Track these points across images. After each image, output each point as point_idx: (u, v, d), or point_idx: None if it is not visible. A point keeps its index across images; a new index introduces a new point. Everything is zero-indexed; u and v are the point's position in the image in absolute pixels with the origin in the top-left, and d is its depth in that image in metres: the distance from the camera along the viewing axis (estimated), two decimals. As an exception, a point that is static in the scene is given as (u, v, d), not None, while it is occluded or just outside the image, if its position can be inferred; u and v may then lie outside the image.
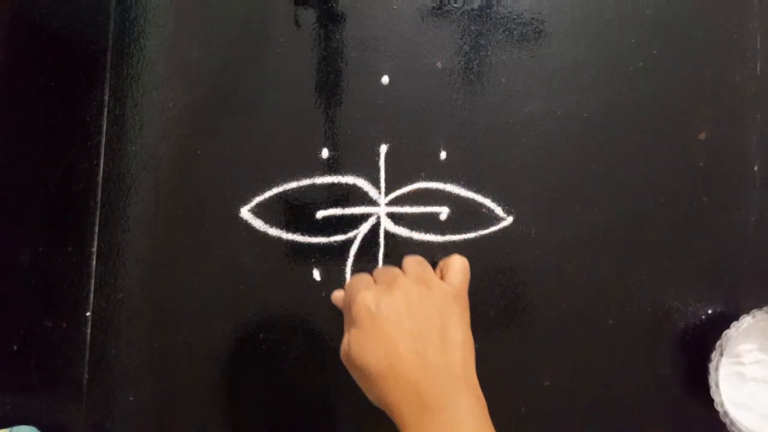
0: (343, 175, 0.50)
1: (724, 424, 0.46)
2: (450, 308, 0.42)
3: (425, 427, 0.38)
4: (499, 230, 0.49)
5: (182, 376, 0.49)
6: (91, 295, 0.49)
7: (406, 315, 0.41)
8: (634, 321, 0.49)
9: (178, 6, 0.50)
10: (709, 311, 0.50)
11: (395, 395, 0.39)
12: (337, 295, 0.48)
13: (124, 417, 0.49)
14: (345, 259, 0.49)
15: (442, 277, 0.45)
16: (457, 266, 0.45)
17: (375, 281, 0.44)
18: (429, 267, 0.45)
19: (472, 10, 0.50)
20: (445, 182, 0.49)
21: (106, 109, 0.50)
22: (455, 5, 0.50)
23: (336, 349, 0.49)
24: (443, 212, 0.49)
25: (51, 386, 0.49)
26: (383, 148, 0.50)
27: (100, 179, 0.50)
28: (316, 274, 0.49)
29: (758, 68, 0.50)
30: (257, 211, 0.49)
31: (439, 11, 0.50)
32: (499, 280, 0.49)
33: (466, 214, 0.49)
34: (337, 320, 0.49)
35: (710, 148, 0.50)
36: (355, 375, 0.42)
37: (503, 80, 0.50)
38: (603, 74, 0.50)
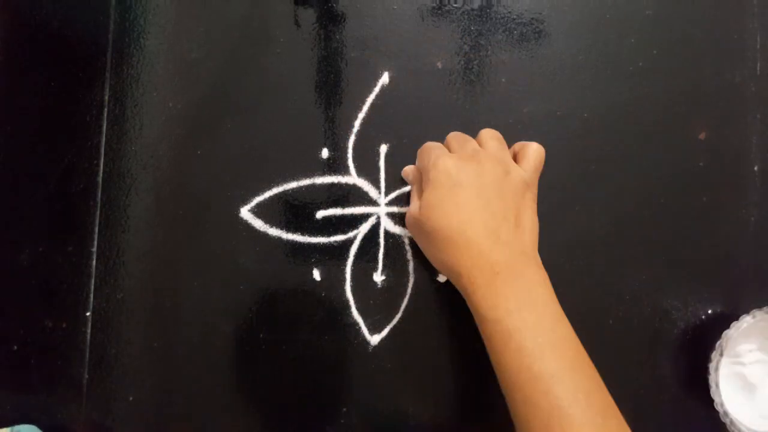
0: (343, 175, 0.50)
1: (724, 424, 0.46)
2: (524, 195, 0.43)
3: (498, 290, 0.39)
4: (499, 230, 0.49)
5: (182, 376, 0.49)
6: (91, 295, 0.49)
7: (484, 190, 0.41)
8: (634, 321, 0.49)
9: (178, 6, 0.50)
10: (709, 311, 0.50)
11: (465, 260, 0.40)
12: (408, 168, 0.48)
13: (124, 417, 0.49)
14: (345, 259, 0.49)
15: (516, 161, 0.45)
16: (534, 154, 0.45)
17: (450, 149, 0.44)
18: (506, 148, 0.45)
19: (472, 10, 0.50)
20: (445, 182, 0.49)
21: (106, 109, 0.50)
22: (455, 5, 0.50)
23: (335, 350, 0.49)
24: (443, 212, 0.49)
25: (51, 386, 0.49)
26: (383, 148, 0.50)
27: (100, 179, 0.50)
28: (316, 274, 0.49)
29: (758, 68, 0.50)
30: (257, 211, 0.49)
31: (439, 11, 0.50)
32: (499, 280, 0.49)
33: (466, 214, 0.49)
34: (336, 320, 0.49)
35: (710, 148, 0.50)
36: (422, 238, 0.44)
37: (503, 80, 0.50)
38: (603, 74, 0.50)
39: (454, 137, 0.45)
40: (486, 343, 0.40)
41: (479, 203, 0.41)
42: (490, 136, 0.45)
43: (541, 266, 0.42)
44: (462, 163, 0.42)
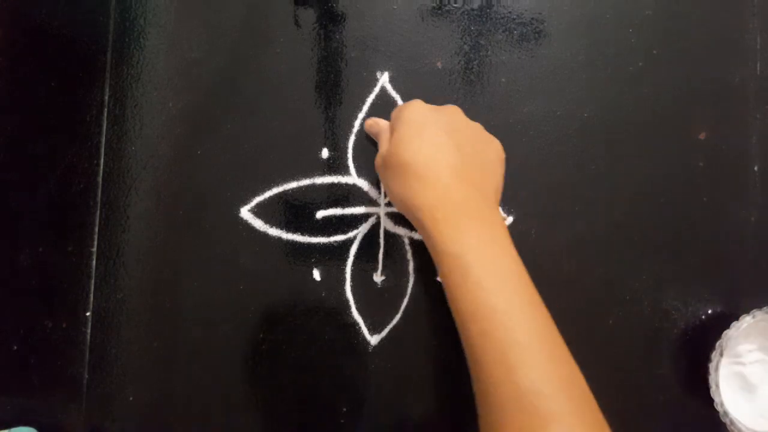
0: (343, 175, 0.50)
1: (724, 424, 0.46)
2: (499, 160, 0.44)
3: (458, 225, 0.39)
4: (499, 230, 0.49)
5: (182, 376, 0.49)
6: (91, 295, 0.49)
7: (455, 135, 0.42)
8: (634, 321, 0.49)
9: (178, 6, 0.50)
10: (709, 311, 0.50)
11: (428, 195, 0.40)
12: (373, 119, 0.48)
13: (124, 417, 0.49)
14: (345, 259, 0.49)
15: None
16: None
17: None
18: None
19: (472, 10, 0.50)
20: (445, 182, 0.49)
21: (106, 109, 0.50)
22: (455, 5, 0.50)
23: (335, 350, 0.49)
24: (443, 212, 0.49)
25: (51, 386, 0.49)
26: (383, 148, 0.49)
27: (100, 179, 0.50)
28: (316, 274, 0.49)
29: (758, 68, 0.50)
30: (257, 211, 0.49)
31: (439, 11, 0.50)
32: (499, 280, 0.49)
33: (466, 214, 0.49)
34: (336, 320, 0.49)
35: (710, 148, 0.50)
36: (388, 175, 0.42)
37: (503, 80, 0.50)
38: (603, 74, 0.50)
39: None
40: (444, 279, 0.40)
41: (449, 144, 0.41)
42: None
43: (500, 215, 0.42)
44: (435, 110, 0.43)
